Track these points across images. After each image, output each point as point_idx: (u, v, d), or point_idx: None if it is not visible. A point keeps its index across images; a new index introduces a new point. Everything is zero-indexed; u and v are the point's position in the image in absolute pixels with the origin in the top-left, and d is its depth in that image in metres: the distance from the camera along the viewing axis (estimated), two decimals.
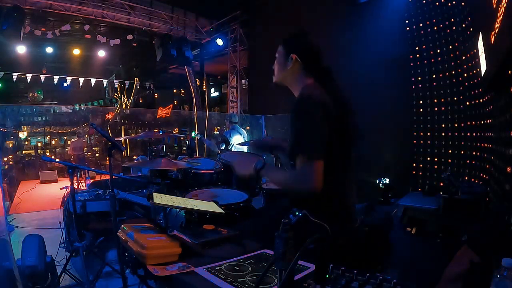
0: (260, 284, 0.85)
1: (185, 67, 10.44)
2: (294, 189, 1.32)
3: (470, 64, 3.81)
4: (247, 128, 8.29)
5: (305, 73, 1.46)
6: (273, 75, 1.56)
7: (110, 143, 2.15)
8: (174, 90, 16.24)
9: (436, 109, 4.46)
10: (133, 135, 10.75)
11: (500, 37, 2.05)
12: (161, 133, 4.77)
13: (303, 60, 1.45)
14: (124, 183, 3.20)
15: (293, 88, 1.49)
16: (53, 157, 10.47)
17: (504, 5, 1.90)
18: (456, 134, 4.21)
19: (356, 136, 1.41)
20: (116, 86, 12.85)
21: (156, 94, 15.25)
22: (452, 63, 4.20)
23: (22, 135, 11.10)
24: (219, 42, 9.22)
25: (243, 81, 9.97)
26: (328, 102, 1.32)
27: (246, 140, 5.69)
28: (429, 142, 4.56)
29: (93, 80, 11.49)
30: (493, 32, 2.25)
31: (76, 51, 9.65)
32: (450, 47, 4.23)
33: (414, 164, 4.68)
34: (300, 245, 0.76)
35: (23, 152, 10.79)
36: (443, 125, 4.38)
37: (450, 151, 4.29)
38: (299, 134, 1.29)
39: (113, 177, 2.38)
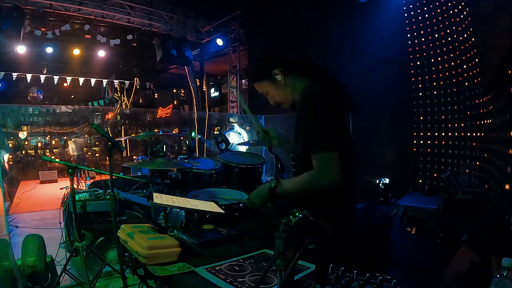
0: (260, 284, 0.85)
1: (185, 67, 10.44)
2: (316, 188, 1.27)
3: (470, 64, 3.81)
4: (247, 128, 8.28)
5: (296, 78, 1.45)
6: (282, 105, 1.50)
7: (110, 143, 2.15)
8: (174, 90, 16.24)
9: (436, 109, 4.45)
10: (133, 135, 10.75)
11: (500, 37, 2.05)
12: (160, 133, 4.78)
13: (286, 67, 1.43)
14: (124, 183, 3.20)
15: (297, 97, 1.44)
16: (53, 157, 10.47)
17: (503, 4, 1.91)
18: (456, 134, 4.21)
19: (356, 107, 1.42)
20: (116, 86, 12.84)
21: (156, 94, 15.25)
22: (452, 63, 4.20)
23: (22, 135, 11.10)
24: (219, 42, 9.22)
25: (243, 81, 9.97)
26: (328, 96, 1.32)
27: (245, 139, 5.69)
28: (429, 142, 4.55)
29: (93, 80, 11.49)
30: (493, 32, 2.25)
31: (76, 51, 9.65)
32: (450, 47, 4.22)
33: (414, 164, 4.68)
34: (300, 245, 0.76)
35: (23, 152, 10.79)
36: (443, 125, 4.38)
37: (450, 151, 4.29)
38: (309, 132, 1.28)
39: (113, 177, 2.38)
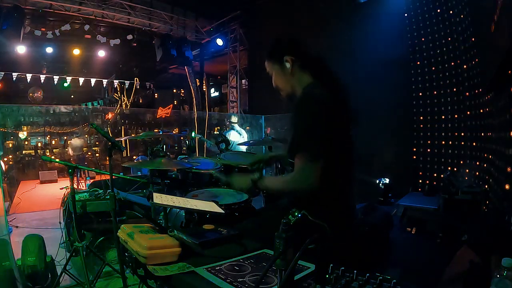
0: (260, 284, 0.85)
1: (185, 67, 10.44)
2: (294, 190, 1.32)
3: (470, 64, 3.81)
4: (247, 128, 8.29)
5: (303, 72, 1.45)
6: (281, 91, 1.52)
7: (110, 143, 2.15)
8: (174, 90, 16.23)
9: (436, 109, 4.46)
10: (133, 135, 10.74)
11: (500, 37, 2.05)
12: (160, 133, 4.78)
13: (298, 58, 1.44)
14: (124, 183, 3.20)
15: (298, 91, 1.46)
16: (53, 157, 10.46)
17: (502, 3, 1.90)
18: (456, 134, 4.21)
19: (354, 122, 1.43)
20: (116, 86, 12.84)
21: (156, 94, 15.25)
22: (452, 63, 4.20)
23: (22, 135, 11.08)
24: (219, 42, 9.22)
25: (243, 81, 9.97)
26: (329, 100, 1.32)
27: (245, 139, 5.70)
28: (429, 142, 4.56)
29: (93, 80, 11.49)
30: (492, 32, 2.25)
31: (76, 51, 9.64)
32: (450, 47, 4.23)
33: (414, 164, 4.68)
34: (300, 245, 0.76)
35: (23, 152, 10.78)
36: (443, 125, 4.38)
37: (450, 151, 4.29)
38: (300, 133, 1.30)
39: (113, 177, 2.38)
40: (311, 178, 1.23)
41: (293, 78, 1.46)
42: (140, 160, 6.08)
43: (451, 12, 4.17)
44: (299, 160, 1.27)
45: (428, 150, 4.56)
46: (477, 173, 3.60)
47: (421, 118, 4.63)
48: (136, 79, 12.53)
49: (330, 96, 1.33)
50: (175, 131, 11.66)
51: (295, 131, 1.32)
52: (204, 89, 11.47)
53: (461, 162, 4.08)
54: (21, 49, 8.27)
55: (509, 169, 2.34)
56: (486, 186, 3.03)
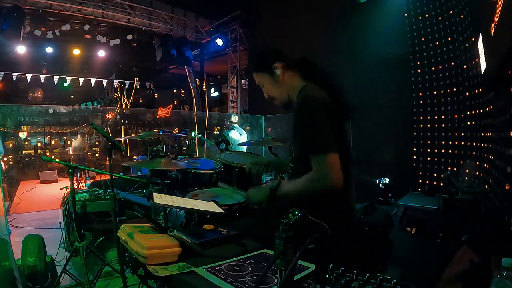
0: (260, 284, 0.85)
1: (185, 67, 10.44)
2: (316, 190, 1.26)
3: (470, 64, 3.81)
4: (247, 128, 8.29)
5: (294, 76, 1.45)
6: (275, 100, 1.51)
7: (110, 143, 2.15)
8: (174, 90, 16.24)
9: (436, 109, 4.46)
10: (133, 135, 10.75)
11: (500, 37, 2.05)
12: (160, 133, 4.78)
13: (285, 62, 1.44)
14: (124, 183, 3.20)
15: (293, 96, 1.45)
16: (53, 157, 10.46)
17: (503, 3, 1.90)
18: (456, 134, 4.21)
19: (349, 120, 1.42)
20: (116, 86, 12.84)
21: (156, 94, 15.26)
22: (452, 63, 4.20)
23: (22, 135, 11.09)
24: (219, 42, 9.22)
25: (243, 81, 9.97)
26: (326, 99, 1.32)
27: (245, 139, 5.69)
28: (429, 142, 4.55)
29: (93, 80, 11.49)
30: (492, 32, 2.25)
31: (76, 51, 9.64)
32: (450, 47, 4.22)
33: (414, 164, 4.67)
34: (300, 245, 0.76)
35: (23, 152, 10.79)
36: (443, 125, 4.38)
37: (450, 151, 4.29)
38: (307, 134, 1.28)
39: (113, 177, 2.38)
40: (330, 174, 1.21)
41: (285, 84, 1.44)
42: (140, 160, 6.08)
43: (451, 12, 4.16)
44: (313, 161, 1.25)
45: (428, 150, 4.55)
46: (477, 173, 3.60)
47: (421, 118, 4.62)
48: (136, 79, 12.54)
49: (327, 95, 1.33)
50: (175, 131, 11.66)
51: (301, 134, 1.30)
52: (204, 89, 11.47)
53: (461, 162, 4.08)
54: (21, 49, 8.27)
55: (509, 169, 2.34)
56: (486, 186, 3.03)
